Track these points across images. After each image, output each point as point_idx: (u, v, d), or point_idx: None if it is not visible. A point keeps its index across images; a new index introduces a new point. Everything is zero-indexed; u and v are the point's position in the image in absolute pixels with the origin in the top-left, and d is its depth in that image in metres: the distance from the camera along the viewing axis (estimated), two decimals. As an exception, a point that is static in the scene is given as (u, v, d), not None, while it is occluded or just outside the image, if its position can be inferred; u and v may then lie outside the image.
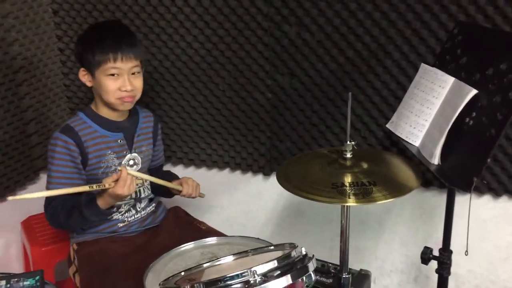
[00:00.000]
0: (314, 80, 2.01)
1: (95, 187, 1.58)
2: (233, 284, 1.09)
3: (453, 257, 2.03)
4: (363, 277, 2.00)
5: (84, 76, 1.72)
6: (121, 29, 1.76)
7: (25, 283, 1.41)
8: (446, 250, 1.62)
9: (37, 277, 1.44)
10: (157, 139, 1.92)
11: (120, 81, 1.68)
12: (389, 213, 2.17)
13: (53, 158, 1.68)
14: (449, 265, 1.63)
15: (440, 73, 1.56)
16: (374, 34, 1.87)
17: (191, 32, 2.09)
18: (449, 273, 1.65)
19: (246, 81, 2.10)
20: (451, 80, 1.50)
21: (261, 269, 1.11)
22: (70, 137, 1.68)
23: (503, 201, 1.94)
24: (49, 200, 1.69)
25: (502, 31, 1.67)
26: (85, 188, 1.58)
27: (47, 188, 1.69)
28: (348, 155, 1.52)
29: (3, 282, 1.40)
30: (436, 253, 1.67)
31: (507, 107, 1.27)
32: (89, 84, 1.73)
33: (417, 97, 1.61)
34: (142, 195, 1.83)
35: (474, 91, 1.38)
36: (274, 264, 1.14)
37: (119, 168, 1.60)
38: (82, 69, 1.71)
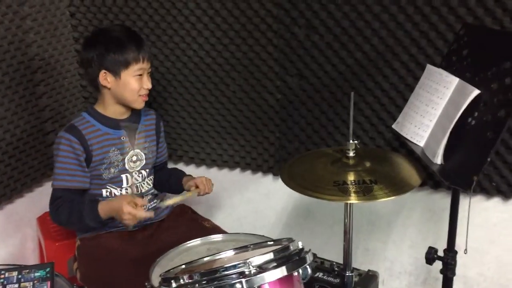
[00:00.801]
0: (322, 81, 2.03)
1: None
2: (229, 275, 1.12)
3: (463, 259, 2.02)
4: (370, 277, 2.00)
5: (105, 79, 1.76)
6: (134, 32, 1.85)
7: (36, 274, 1.46)
8: (450, 250, 1.62)
9: (48, 269, 1.48)
10: (160, 136, 1.98)
11: (142, 81, 1.77)
12: (399, 214, 2.17)
13: (58, 156, 1.75)
14: (454, 265, 1.63)
15: (445, 73, 1.56)
16: (382, 36, 1.88)
17: (203, 34, 2.13)
18: (453, 274, 1.65)
19: (255, 82, 2.13)
20: (455, 80, 1.51)
21: (257, 260, 1.14)
22: (74, 135, 1.74)
23: (513, 203, 1.93)
24: (54, 197, 1.75)
25: (506, 31, 1.66)
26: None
27: (52, 185, 1.76)
28: (351, 154, 1.54)
29: (15, 273, 1.45)
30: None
31: (508, 107, 1.28)
32: (108, 85, 1.77)
33: (422, 98, 1.62)
34: (143, 190, 1.88)
35: (476, 91, 1.39)
36: (270, 256, 1.16)
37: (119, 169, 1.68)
38: (103, 71, 1.75)
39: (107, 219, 1.70)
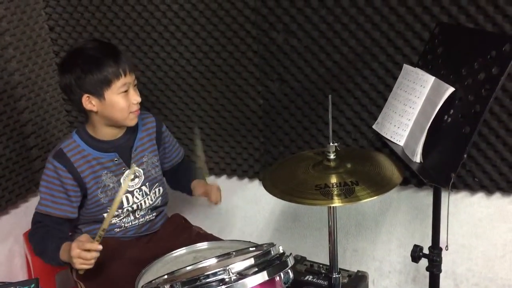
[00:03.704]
0: (303, 85, 2.04)
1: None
2: (209, 283, 1.12)
3: (451, 256, 2.04)
4: (360, 278, 2.02)
5: (89, 103, 1.66)
6: (109, 46, 1.76)
7: (20, 290, 1.45)
8: (435, 247, 1.63)
9: (32, 285, 1.47)
10: (163, 141, 1.90)
11: (129, 96, 1.67)
12: (385, 214, 2.18)
13: (43, 181, 1.73)
14: (439, 262, 1.64)
15: (421, 73, 1.58)
16: (359, 37, 1.89)
17: (182, 43, 2.14)
18: (439, 271, 1.66)
19: (237, 89, 2.14)
20: (431, 79, 1.53)
21: (237, 267, 1.14)
22: (62, 163, 1.68)
23: (496, 198, 1.95)
24: (34, 221, 1.72)
25: (477, 29, 1.68)
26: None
27: (36, 208, 1.73)
28: (332, 156, 1.55)
29: (-1, 291, 1.45)
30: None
31: (482, 103, 1.29)
32: (94, 109, 1.67)
33: (400, 97, 1.64)
34: (144, 206, 1.84)
35: (451, 89, 1.40)
36: (250, 262, 1.17)
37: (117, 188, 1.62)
38: (86, 95, 1.64)
39: (65, 262, 1.61)
